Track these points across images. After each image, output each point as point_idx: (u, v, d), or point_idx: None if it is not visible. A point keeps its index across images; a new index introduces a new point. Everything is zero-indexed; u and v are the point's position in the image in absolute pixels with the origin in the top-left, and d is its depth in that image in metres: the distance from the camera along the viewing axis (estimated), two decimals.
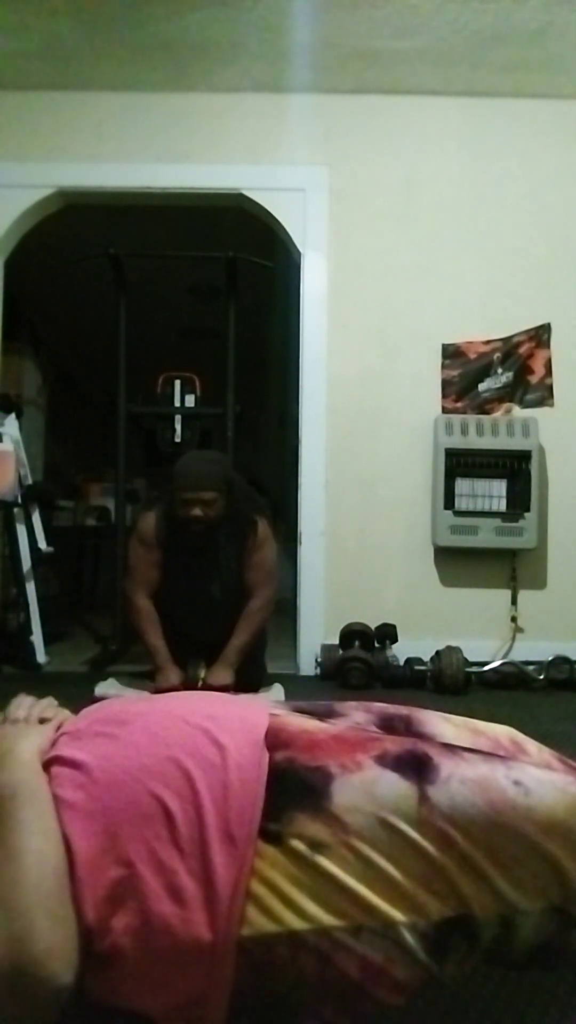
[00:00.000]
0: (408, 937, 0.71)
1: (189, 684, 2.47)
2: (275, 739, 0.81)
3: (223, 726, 0.82)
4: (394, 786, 0.75)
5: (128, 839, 0.73)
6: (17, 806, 0.75)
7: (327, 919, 0.70)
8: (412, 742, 0.82)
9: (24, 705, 0.98)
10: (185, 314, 5.66)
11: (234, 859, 0.72)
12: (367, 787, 0.75)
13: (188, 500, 2.45)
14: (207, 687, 2.43)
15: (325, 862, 0.71)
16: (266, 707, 0.90)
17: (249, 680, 2.57)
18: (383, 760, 0.78)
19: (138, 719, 0.86)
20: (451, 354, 3.28)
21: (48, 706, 0.99)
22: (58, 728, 0.89)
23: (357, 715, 0.95)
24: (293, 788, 0.75)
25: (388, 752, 0.79)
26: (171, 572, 2.59)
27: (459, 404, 3.26)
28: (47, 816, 0.74)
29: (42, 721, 0.93)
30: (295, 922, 0.70)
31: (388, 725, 0.94)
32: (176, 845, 0.73)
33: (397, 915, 0.71)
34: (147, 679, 2.70)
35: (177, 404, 3.47)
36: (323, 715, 0.93)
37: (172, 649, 2.58)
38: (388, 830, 0.73)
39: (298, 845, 0.72)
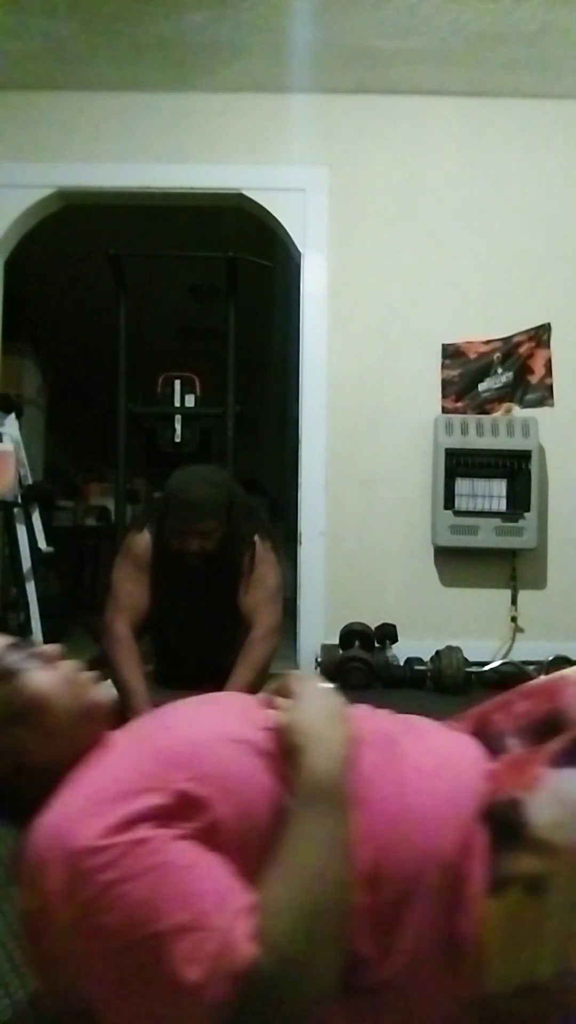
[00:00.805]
0: None
1: None
2: None
3: (462, 772, 0.78)
4: None
5: (400, 877, 0.70)
6: (334, 794, 0.70)
7: (564, 961, 0.66)
8: (571, 730, 0.77)
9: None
10: (185, 314, 5.66)
11: (469, 919, 0.68)
12: (556, 796, 0.70)
13: (183, 532, 2.15)
14: None
15: (549, 900, 0.66)
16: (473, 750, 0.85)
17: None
18: (555, 761, 0.73)
19: (411, 753, 0.80)
20: (451, 354, 3.28)
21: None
22: None
23: (510, 740, 0.89)
24: (499, 830, 0.71)
25: (555, 751, 0.74)
26: (164, 595, 2.29)
27: (459, 404, 3.26)
28: (350, 827, 0.70)
29: None
30: (529, 971, 0.66)
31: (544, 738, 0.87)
32: (439, 900, 0.69)
33: None
34: (148, 680, 2.68)
35: (177, 404, 3.48)
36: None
37: (173, 673, 2.36)
38: None
39: (519, 891, 0.67)
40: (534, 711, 0.89)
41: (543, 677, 0.95)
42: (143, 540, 2.29)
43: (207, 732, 0.80)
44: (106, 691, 0.86)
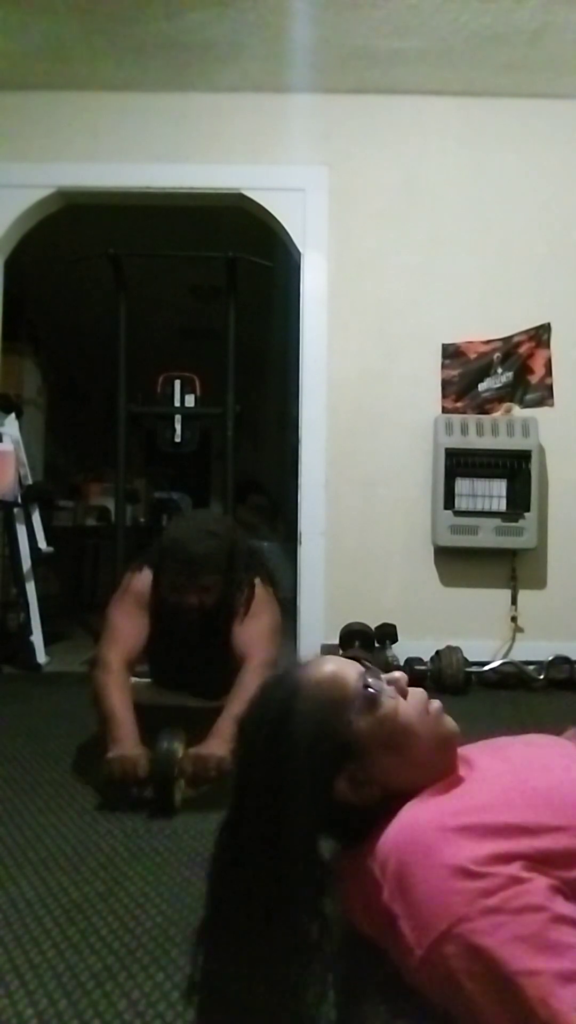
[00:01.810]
0: None
1: (159, 763, 1.72)
2: None
3: None
4: None
5: None
6: None
7: None
8: None
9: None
10: (185, 314, 5.66)
11: None
12: None
13: (182, 587, 2.04)
14: (197, 758, 1.78)
15: None
16: None
17: None
18: None
19: None
20: (451, 354, 3.28)
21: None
22: None
23: None
24: None
25: None
26: (158, 641, 2.17)
27: (459, 404, 3.26)
28: None
29: None
30: None
31: None
32: None
33: None
34: (148, 679, 2.68)
35: (177, 404, 3.47)
36: None
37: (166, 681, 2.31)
38: None
39: None
40: None
41: None
42: (144, 579, 2.18)
43: (568, 780, 0.82)
44: (452, 721, 0.90)
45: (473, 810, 0.77)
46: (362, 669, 0.88)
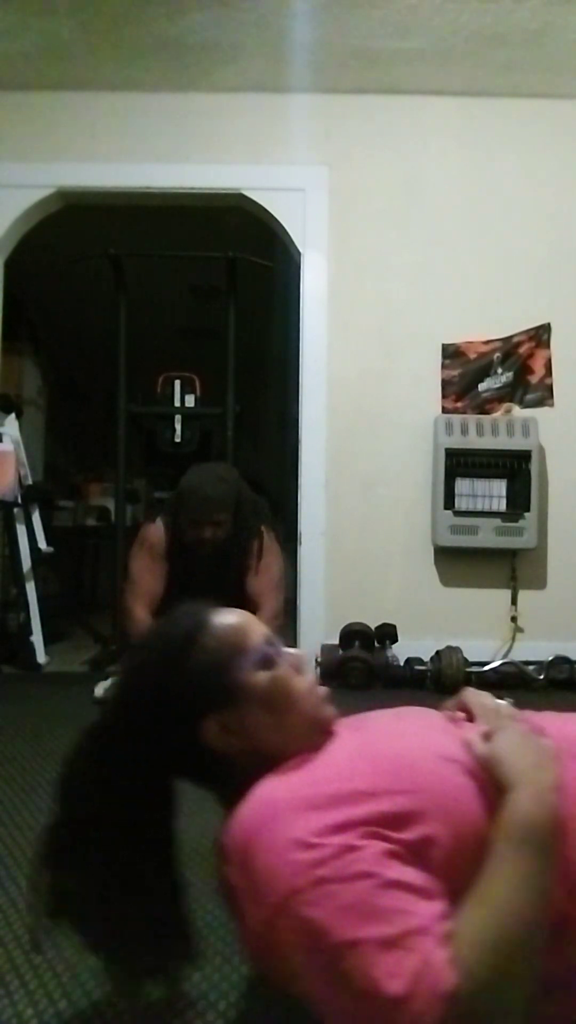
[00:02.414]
0: None
1: None
2: None
3: None
4: None
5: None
6: (541, 843, 0.72)
7: None
8: None
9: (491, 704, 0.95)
10: (185, 314, 5.67)
11: None
12: None
13: (198, 523, 2.38)
14: None
15: None
16: None
17: None
18: None
19: None
20: (451, 354, 3.28)
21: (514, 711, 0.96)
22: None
23: None
24: None
25: None
26: (175, 583, 2.50)
27: (459, 404, 3.26)
28: (552, 872, 0.72)
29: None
30: None
31: None
32: None
33: None
34: None
35: (177, 404, 3.48)
36: None
37: None
38: None
39: None
40: None
41: None
42: (156, 530, 2.52)
43: (418, 746, 0.83)
44: (334, 709, 0.91)
45: (319, 781, 0.77)
46: (268, 632, 0.90)
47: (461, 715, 0.94)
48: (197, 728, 0.82)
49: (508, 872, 0.70)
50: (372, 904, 0.67)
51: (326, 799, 0.74)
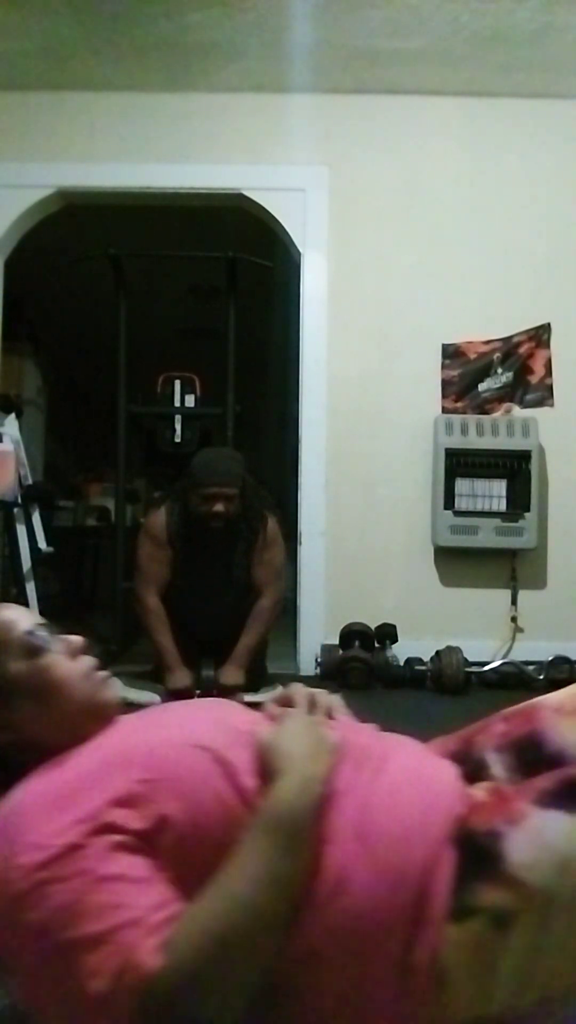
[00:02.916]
0: None
1: (202, 686, 2.46)
2: None
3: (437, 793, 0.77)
4: (562, 825, 0.68)
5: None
6: (294, 832, 0.69)
7: (517, 998, 0.66)
8: (561, 770, 0.76)
9: (310, 696, 0.92)
10: (185, 314, 5.66)
11: (427, 942, 0.67)
12: (538, 836, 0.68)
13: (210, 496, 2.46)
14: (221, 688, 2.43)
15: (512, 937, 0.65)
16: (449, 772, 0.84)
17: (250, 681, 2.56)
18: (542, 800, 0.71)
19: (392, 761, 0.80)
20: (451, 354, 3.28)
21: (336, 705, 0.93)
22: None
23: (490, 756, 0.89)
24: (471, 857, 0.69)
25: (543, 789, 0.72)
26: (181, 570, 2.59)
27: (459, 404, 3.26)
28: (307, 858, 0.69)
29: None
30: (482, 1004, 0.66)
31: (523, 758, 0.87)
32: (398, 921, 0.68)
33: None
34: (149, 679, 2.69)
35: (177, 404, 3.47)
36: (460, 758, 0.89)
37: (177, 647, 2.58)
38: (571, 876, 0.66)
39: (483, 922, 0.66)
40: (513, 731, 0.90)
41: (522, 704, 0.96)
42: (159, 518, 2.61)
43: (170, 736, 0.81)
44: (115, 692, 0.88)
45: (66, 777, 0.76)
46: (38, 621, 0.88)
47: (280, 710, 0.90)
48: None
49: (250, 858, 0.67)
50: (85, 902, 0.65)
51: (61, 800, 0.72)
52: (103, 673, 0.88)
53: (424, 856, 0.70)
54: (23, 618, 0.87)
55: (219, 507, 2.47)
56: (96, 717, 0.85)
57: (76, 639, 0.89)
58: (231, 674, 2.50)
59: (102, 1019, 0.62)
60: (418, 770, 0.81)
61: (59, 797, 0.73)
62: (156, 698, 2.53)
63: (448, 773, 0.82)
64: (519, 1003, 0.66)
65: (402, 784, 0.77)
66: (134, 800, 0.71)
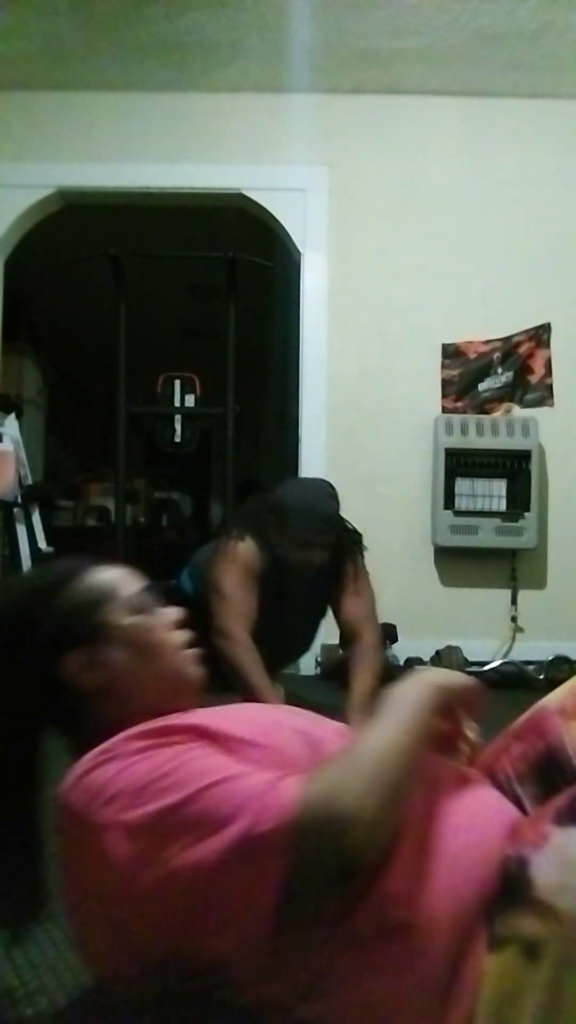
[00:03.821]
0: None
1: None
2: None
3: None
4: None
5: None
6: (420, 706, 0.76)
7: None
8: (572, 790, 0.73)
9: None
10: (185, 314, 5.66)
11: (472, 969, 0.65)
12: (561, 857, 0.65)
13: (311, 544, 2.17)
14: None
15: (541, 968, 0.61)
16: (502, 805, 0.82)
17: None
18: (561, 819, 0.68)
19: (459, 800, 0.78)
20: (451, 354, 3.28)
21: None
22: None
23: (518, 788, 0.88)
24: (504, 885, 0.67)
25: (560, 807, 0.69)
26: (266, 609, 2.26)
27: (459, 404, 3.26)
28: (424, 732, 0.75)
29: None
30: None
31: (547, 780, 0.86)
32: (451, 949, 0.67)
33: None
34: None
35: (177, 404, 3.47)
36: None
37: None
38: None
39: (514, 952, 0.63)
40: (530, 752, 0.89)
41: (525, 715, 0.95)
42: (250, 548, 2.25)
43: (262, 716, 0.85)
44: (198, 671, 0.92)
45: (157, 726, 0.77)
46: (146, 584, 0.92)
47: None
48: (59, 661, 0.81)
49: (380, 725, 0.71)
50: (206, 765, 0.68)
51: (162, 726, 0.75)
52: (196, 651, 0.91)
53: (477, 892, 0.68)
54: (134, 579, 0.91)
55: (316, 557, 2.19)
56: (181, 690, 0.87)
57: (176, 612, 0.92)
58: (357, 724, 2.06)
59: (259, 849, 0.62)
60: (477, 806, 0.79)
61: (151, 730, 0.75)
62: None
63: (496, 805, 0.81)
64: None
65: (465, 823, 0.75)
66: (236, 751, 0.73)
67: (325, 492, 2.31)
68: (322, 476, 3.25)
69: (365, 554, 2.39)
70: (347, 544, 2.32)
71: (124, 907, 0.69)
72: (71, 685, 0.82)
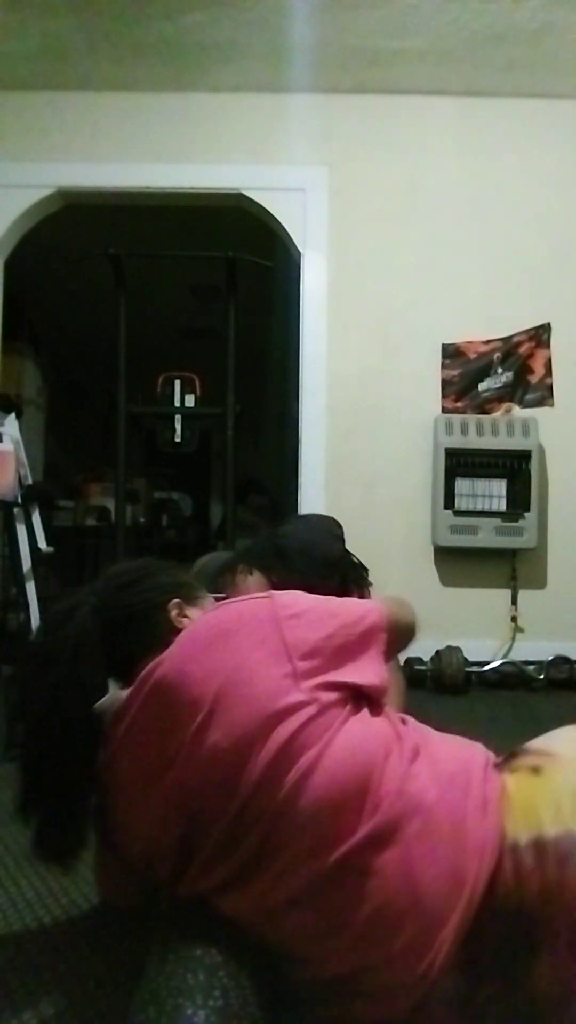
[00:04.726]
0: None
1: None
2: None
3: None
4: None
5: None
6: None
7: (558, 826, 0.80)
8: None
9: None
10: (185, 314, 5.67)
11: (494, 784, 0.87)
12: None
13: (314, 587, 2.03)
14: None
15: (544, 779, 0.85)
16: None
17: None
18: None
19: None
20: (451, 354, 3.28)
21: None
22: None
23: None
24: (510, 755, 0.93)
25: None
26: None
27: (459, 404, 3.26)
28: None
29: None
30: (537, 827, 0.80)
31: None
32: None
33: None
34: None
35: (177, 404, 3.47)
36: None
37: None
38: None
39: (525, 771, 0.88)
40: None
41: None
42: (258, 583, 2.17)
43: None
44: None
45: None
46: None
47: None
48: (164, 604, 1.07)
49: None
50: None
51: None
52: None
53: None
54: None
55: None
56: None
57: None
58: None
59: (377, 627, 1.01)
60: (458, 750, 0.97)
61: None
62: None
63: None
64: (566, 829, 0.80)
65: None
66: None
67: (330, 533, 2.29)
68: (322, 476, 3.26)
69: (369, 592, 2.30)
70: (353, 580, 2.26)
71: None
72: (166, 623, 1.06)
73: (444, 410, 3.25)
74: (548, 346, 3.27)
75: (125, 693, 0.97)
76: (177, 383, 3.49)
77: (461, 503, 3.15)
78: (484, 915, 0.77)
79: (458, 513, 3.14)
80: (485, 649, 3.10)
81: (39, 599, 3.43)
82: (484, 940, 0.78)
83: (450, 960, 0.77)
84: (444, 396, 3.27)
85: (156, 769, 0.91)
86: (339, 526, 2.33)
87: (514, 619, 3.19)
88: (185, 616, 1.08)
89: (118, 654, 1.01)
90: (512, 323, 3.27)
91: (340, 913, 0.81)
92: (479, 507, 3.15)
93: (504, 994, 0.77)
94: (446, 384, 3.27)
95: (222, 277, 3.48)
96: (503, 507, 3.15)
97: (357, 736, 0.88)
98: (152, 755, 0.92)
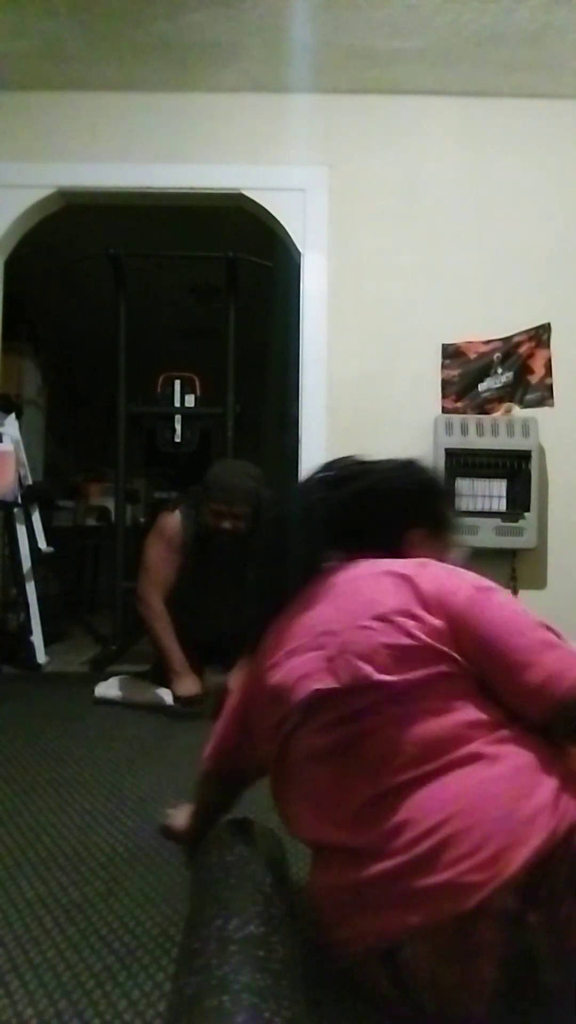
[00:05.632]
0: None
1: (213, 691, 2.40)
2: None
3: None
4: None
5: None
6: None
7: None
8: None
9: None
10: (185, 314, 5.67)
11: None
12: None
13: (220, 512, 2.48)
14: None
15: None
16: None
17: None
18: None
19: None
20: (451, 354, 3.28)
21: None
22: None
23: None
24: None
25: None
26: (188, 576, 2.57)
27: (459, 404, 3.26)
28: None
29: None
30: None
31: None
32: None
33: None
34: (147, 679, 2.69)
35: (177, 404, 3.48)
36: None
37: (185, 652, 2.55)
38: None
39: None
40: None
41: None
42: (174, 520, 2.59)
43: None
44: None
45: None
46: None
47: None
48: (411, 526, 1.24)
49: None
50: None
51: None
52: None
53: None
54: None
55: (227, 524, 2.48)
56: None
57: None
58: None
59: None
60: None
61: None
62: (166, 698, 2.54)
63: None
64: None
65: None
66: None
67: (240, 471, 2.63)
68: None
69: None
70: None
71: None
72: (407, 543, 1.22)
73: (444, 410, 3.25)
74: (548, 346, 3.27)
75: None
76: (177, 383, 3.50)
77: (461, 503, 3.15)
78: (559, 851, 0.83)
79: (458, 513, 3.14)
80: None
81: (39, 599, 3.44)
82: (550, 870, 0.82)
83: (516, 878, 0.81)
84: (444, 396, 3.27)
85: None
86: (257, 470, 2.70)
87: None
88: (422, 547, 1.21)
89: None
90: (512, 323, 3.27)
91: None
92: (479, 507, 3.15)
93: (549, 922, 0.81)
94: (446, 384, 3.27)
95: (222, 277, 3.49)
96: (503, 507, 3.15)
97: None
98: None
